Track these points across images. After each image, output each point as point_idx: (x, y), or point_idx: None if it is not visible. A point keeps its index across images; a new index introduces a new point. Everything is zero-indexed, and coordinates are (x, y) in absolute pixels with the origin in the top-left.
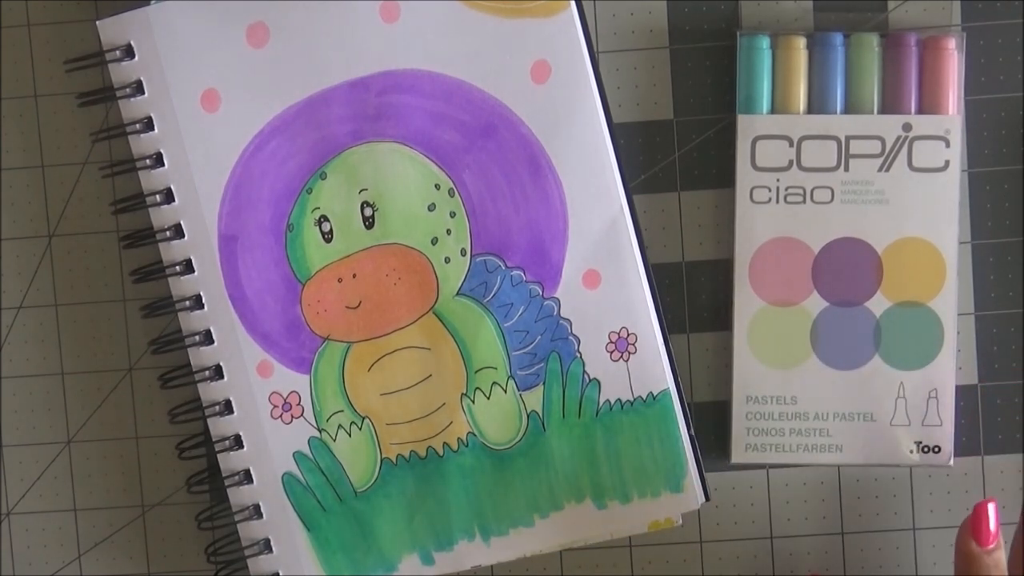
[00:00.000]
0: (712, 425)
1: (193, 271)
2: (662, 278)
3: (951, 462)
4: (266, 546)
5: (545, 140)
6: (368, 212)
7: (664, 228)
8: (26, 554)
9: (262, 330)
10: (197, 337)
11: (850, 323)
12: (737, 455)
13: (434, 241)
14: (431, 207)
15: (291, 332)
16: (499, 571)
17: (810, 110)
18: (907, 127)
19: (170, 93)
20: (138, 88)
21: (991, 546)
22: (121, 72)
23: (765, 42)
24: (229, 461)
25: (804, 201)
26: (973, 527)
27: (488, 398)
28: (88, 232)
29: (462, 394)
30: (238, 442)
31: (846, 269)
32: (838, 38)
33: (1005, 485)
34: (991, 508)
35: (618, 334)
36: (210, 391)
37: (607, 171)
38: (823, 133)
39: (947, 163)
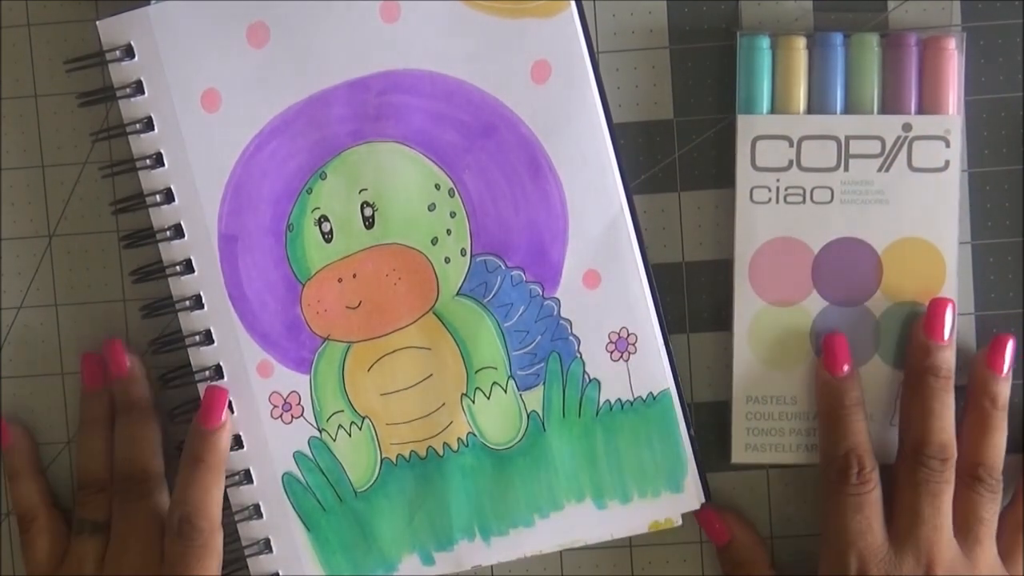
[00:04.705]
0: (712, 425)
1: (193, 271)
2: (662, 278)
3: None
4: (266, 546)
5: (545, 140)
6: (368, 212)
7: (664, 228)
8: None
9: (262, 330)
10: (197, 337)
11: (850, 323)
12: (737, 455)
13: (434, 241)
14: (431, 207)
15: (291, 332)
16: (499, 571)
17: (810, 110)
18: (907, 127)
19: (170, 93)
20: (138, 88)
21: (843, 374)
22: (121, 72)
23: (765, 42)
24: (229, 461)
25: (804, 201)
26: (826, 360)
27: (488, 398)
28: (88, 232)
29: (462, 394)
30: (238, 442)
31: (846, 269)
32: (838, 38)
33: (1005, 485)
34: (842, 340)
35: (618, 334)
36: None
37: (607, 171)
38: (823, 133)
39: (947, 163)
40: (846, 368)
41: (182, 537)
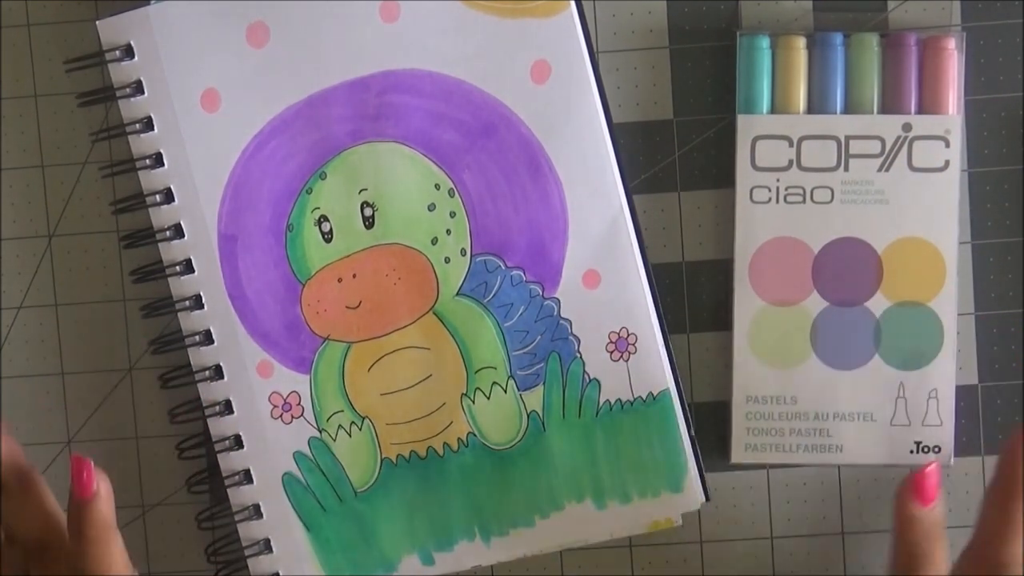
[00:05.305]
0: (712, 425)
1: (193, 271)
2: (662, 278)
3: (951, 462)
4: (266, 546)
5: (545, 140)
6: (368, 212)
7: (664, 228)
8: None
9: (262, 330)
10: (197, 337)
11: (850, 323)
12: (737, 455)
13: (434, 241)
14: (431, 207)
15: (291, 332)
16: (499, 571)
17: (810, 110)
18: (907, 127)
19: (170, 93)
20: (138, 88)
21: (934, 505)
22: (121, 72)
23: (765, 42)
24: (229, 461)
25: (804, 201)
26: (918, 494)
27: (488, 398)
28: (88, 232)
29: (462, 394)
30: (238, 442)
31: (846, 269)
32: (838, 38)
33: (970, 491)
34: (935, 473)
35: (618, 334)
36: (210, 391)
37: (607, 171)
38: (823, 133)
39: (947, 163)
40: (937, 499)
41: None
